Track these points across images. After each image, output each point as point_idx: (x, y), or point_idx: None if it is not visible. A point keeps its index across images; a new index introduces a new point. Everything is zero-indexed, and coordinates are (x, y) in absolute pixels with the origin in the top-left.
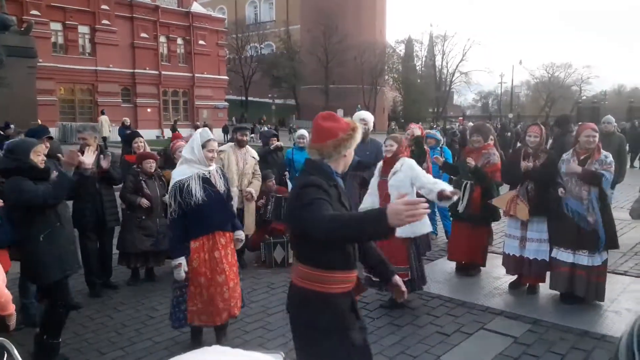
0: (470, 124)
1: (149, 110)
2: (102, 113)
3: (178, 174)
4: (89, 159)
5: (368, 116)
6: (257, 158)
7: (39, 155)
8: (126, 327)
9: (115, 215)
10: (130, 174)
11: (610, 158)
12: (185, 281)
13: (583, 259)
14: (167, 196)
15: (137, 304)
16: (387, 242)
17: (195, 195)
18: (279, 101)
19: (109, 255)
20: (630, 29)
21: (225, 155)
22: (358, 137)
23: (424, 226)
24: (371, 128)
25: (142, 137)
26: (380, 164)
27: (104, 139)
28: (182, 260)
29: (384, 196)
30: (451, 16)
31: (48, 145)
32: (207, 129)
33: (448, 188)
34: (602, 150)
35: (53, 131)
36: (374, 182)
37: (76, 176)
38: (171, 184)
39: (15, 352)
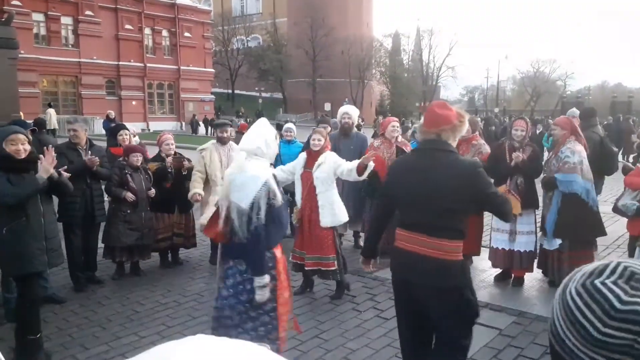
0: None
1: (133, 103)
2: (50, 106)
3: (263, 171)
4: (45, 171)
5: (352, 110)
6: None
7: (13, 145)
8: (111, 322)
9: (103, 210)
10: (116, 167)
11: (567, 154)
12: (270, 302)
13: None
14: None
15: (122, 298)
16: (316, 233)
17: (278, 196)
18: (266, 94)
19: (94, 250)
20: (617, 30)
21: (207, 153)
22: (466, 125)
23: (343, 215)
24: (355, 122)
25: (127, 129)
26: (304, 155)
27: (53, 131)
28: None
29: (309, 187)
30: (438, 10)
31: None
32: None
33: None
34: (565, 144)
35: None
36: (293, 167)
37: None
38: (258, 182)
39: None
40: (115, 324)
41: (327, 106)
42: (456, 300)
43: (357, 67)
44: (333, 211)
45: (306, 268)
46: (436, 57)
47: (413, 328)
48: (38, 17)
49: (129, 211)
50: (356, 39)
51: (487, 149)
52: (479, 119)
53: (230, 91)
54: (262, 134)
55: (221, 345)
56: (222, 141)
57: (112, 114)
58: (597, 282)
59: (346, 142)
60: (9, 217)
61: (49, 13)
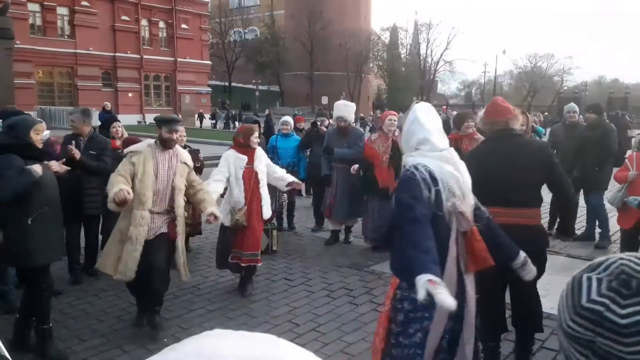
0: (454, 112)
1: (130, 94)
2: None
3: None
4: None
5: (347, 112)
6: (190, 165)
7: (38, 134)
8: (107, 314)
9: (96, 202)
10: (114, 158)
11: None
12: None
13: None
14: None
15: (119, 291)
16: (253, 227)
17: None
18: (262, 87)
19: (94, 243)
20: (610, 27)
21: (139, 159)
22: (520, 115)
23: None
24: (352, 121)
25: (119, 121)
26: (237, 155)
27: None
28: None
29: (253, 181)
30: (436, 4)
31: None
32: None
33: (292, 178)
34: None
35: (32, 115)
36: (227, 170)
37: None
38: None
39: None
40: (112, 316)
41: (325, 99)
42: (544, 260)
43: (354, 60)
44: (268, 202)
45: (242, 264)
46: (434, 51)
47: (500, 291)
48: (34, 7)
49: None
50: (354, 32)
51: None
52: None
53: (227, 84)
54: (422, 119)
55: (247, 338)
56: (166, 144)
57: (109, 105)
58: (585, 275)
59: (342, 141)
60: (32, 207)
61: (44, 3)
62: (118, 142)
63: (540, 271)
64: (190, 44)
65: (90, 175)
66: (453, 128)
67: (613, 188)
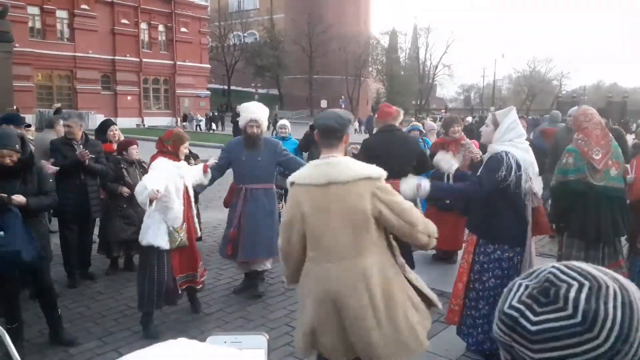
0: (469, 118)
1: (129, 98)
2: None
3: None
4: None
5: (260, 114)
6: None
7: (2, 157)
8: (104, 317)
9: (98, 206)
10: (111, 161)
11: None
12: None
13: None
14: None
15: (115, 293)
16: (192, 246)
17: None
18: (262, 91)
19: (89, 247)
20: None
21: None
22: (401, 115)
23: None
24: (264, 130)
25: (116, 124)
26: (170, 162)
27: None
28: None
29: (187, 197)
30: (435, 8)
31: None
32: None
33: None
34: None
35: (30, 118)
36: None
37: None
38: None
39: (7, 338)
40: (109, 319)
41: (324, 103)
42: None
43: (353, 64)
44: (195, 219)
45: (181, 288)
46: (433, 55)
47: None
48: (33, 10)
49: (125, 206)
50: (353, 36)
51: (475, 147)
52: (471, 117)
53: (226, 87)
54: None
55: (205, 351)
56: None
57: (58, 105)
58: (518, 281)
59: (252, 155)
60: None
61: (44, 6)
62: (115, 146)
63: None
64: (190, 48)
65: (94, 178)
66: (441, 132)
67: None
